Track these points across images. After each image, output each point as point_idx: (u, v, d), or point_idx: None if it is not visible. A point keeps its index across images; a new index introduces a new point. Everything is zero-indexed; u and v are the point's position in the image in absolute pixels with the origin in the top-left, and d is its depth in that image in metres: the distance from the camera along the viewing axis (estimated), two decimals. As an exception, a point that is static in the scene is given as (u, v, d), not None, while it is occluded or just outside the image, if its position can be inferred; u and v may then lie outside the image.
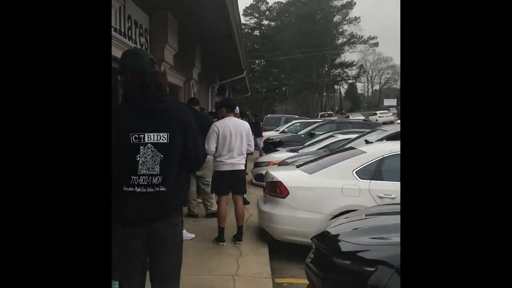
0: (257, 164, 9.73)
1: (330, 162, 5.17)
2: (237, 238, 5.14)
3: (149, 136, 2.16)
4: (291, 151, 10.03)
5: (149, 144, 2.16)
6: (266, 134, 16.56)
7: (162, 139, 2.18)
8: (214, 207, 6.32)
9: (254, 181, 9.27)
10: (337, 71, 62.52)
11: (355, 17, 61.50)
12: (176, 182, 2.24)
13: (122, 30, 5.32)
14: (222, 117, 5.23)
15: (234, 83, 18.77)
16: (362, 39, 61.88)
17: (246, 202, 6.68)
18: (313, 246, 3.36)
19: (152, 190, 2.17)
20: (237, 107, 5.88)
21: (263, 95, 62.04)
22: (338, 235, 3.19)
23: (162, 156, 2.17)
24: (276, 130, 19.83)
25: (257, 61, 60.10)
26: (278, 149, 11.79)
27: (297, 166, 5.77)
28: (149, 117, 2.18)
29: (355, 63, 61.97)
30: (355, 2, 61.06)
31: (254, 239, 5.36)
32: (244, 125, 5.20)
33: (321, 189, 4.78)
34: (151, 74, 2.23)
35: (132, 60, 2.31)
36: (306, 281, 3.97)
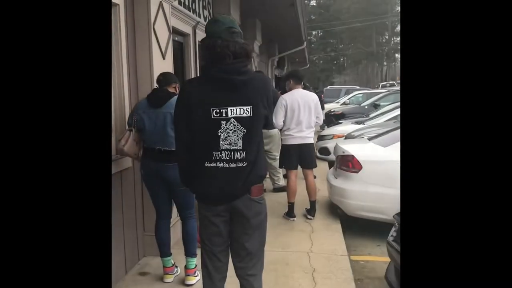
0: (321, 138, 9.49)
1: (406, 134, 4.86)
2: (310, 213, 5.01)
3: (232, 110, 2.02)
4: (357, 123, 9.67)
5: (232, 119, 2.02)
6: (327, 107, 16.12)
7: (246, 113, 2.03)
8: (281, 182, 6.23)
9: (318, 154, 9.04)
10: (398, 39, 59.72)
11: (418, -20, 57.91)
12: (258, 156, 2.11)
13: (186, 3, 5.22)
14: (290, 89, 5.04)
15: (292, 55, 18.39)
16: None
17: (313, 176, 6.53)
18: (396, 224, 3.16)
19: (234, 165, 2.05)
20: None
21: (320, 67, 60.75)
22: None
23: (245, 130, 2.03)
24: (337, 102, 19.30)
25: (313, 32, 58.50)
26: (341, 121, 11.44)
27: (369, 139, 5.50)
28: (230, 90, 2.02)
29: (417, 29, 58.62)
30: (418, -35, 57.39)
31: (325, 214, 5.20)
32: (313, 98, 4.99)
33: (398, 162, 4.48)
34: (221, 44, 2.02)
35: (209, 28, 2.12)
36: (383, 259, 3.79)
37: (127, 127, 3.32)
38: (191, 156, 2.11)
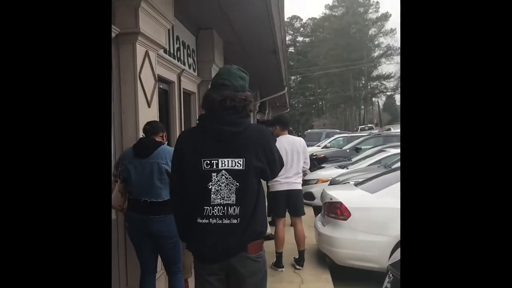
0: (305, 182, 9.41)
1: (393, 179, 4.82)
2: (298, 263, 4.86)
3: (223, 162, 1.95)
4: (340, 167, 9.67)
5: (223, 171, 1.95)
6: (309, 150, 16.15)
7: (238, 166, 1.96)
8: (268, 230, 6.08)
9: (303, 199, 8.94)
10: (375, 83, 61.32)
11: (391, 28, 60.01)
12: (255, 211, 2.02)
13: (171, 51, 5.23)
14: (276, 136, 5.00)
15: (273, 99, 18.62)
16: (399, 50, 60.23)
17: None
18: (390, 275, 3.06)
19: (228, 221, 1.95)
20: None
21: (300, 111, 61.93)
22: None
23: (238, 184, 1.96)
24: (318, 146, 19.41)
25: (293, 78, 59.80)
26: (324, 165, 11.44)
27: (356, 184, 5.46)
28: (222, 141, 1.97)
29: (392, 74, 60.30)
30: (391, 14, 59.91)
31: (314, 263, 5.06)
32: (300, 142, 4.96)
33: (387, 209, 4.44)
34: (213, 95, 2.01)
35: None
36: (378, 311, 3.64)
37: (112, 178, 3.20)
38: (185, 210, 2.02)
